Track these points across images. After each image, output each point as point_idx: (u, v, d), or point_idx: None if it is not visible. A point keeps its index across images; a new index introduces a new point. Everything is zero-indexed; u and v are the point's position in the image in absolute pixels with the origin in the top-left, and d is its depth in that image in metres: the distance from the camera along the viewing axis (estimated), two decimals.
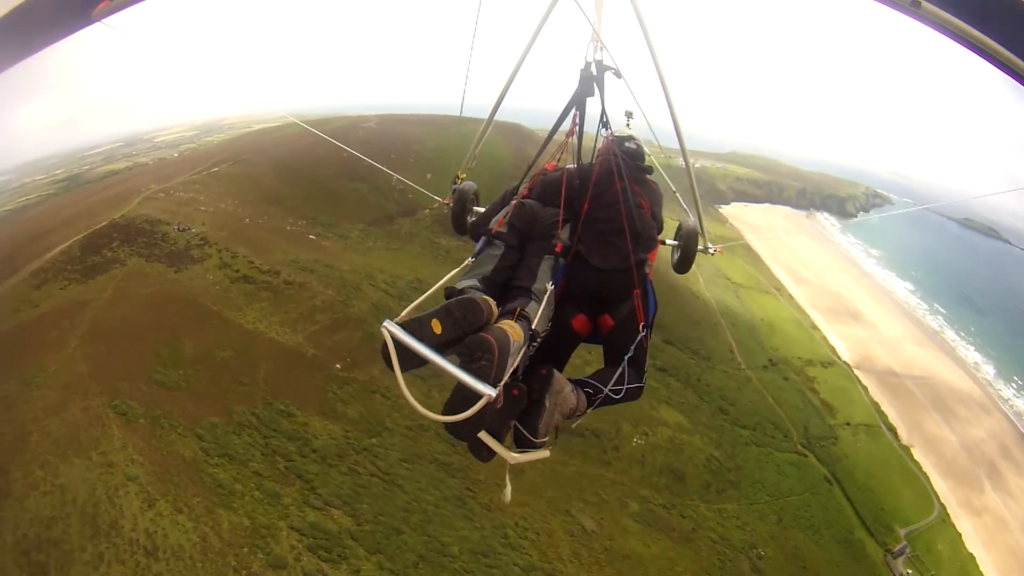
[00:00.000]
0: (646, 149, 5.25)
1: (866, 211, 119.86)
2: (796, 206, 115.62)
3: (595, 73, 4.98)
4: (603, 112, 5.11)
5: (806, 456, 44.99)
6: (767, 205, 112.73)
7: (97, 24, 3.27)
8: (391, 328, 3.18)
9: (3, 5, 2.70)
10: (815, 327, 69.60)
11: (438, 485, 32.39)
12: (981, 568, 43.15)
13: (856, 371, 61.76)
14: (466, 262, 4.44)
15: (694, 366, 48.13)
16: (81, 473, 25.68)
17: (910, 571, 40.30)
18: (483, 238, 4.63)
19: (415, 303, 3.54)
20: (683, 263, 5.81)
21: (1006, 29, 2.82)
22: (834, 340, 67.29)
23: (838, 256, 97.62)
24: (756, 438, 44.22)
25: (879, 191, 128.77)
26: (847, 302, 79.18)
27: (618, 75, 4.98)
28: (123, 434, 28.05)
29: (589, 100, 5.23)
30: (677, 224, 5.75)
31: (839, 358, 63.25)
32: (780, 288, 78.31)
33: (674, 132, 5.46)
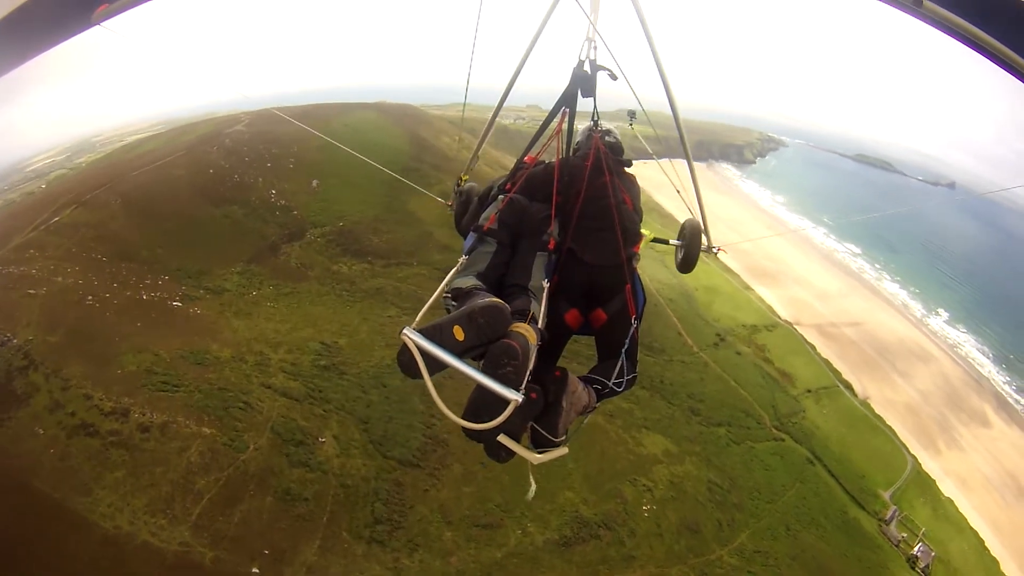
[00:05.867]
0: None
1: (762, 156, 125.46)
2: (695, 158, 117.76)
3: (589, 72, 4.93)
4: (595, 110, 5.31)
5: (783, 440, 44.33)
6: (666, 160, 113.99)
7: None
8: (412, 336, 3.29)
9: (2, 8, 2.71)
10: (747, 287, 70.12)
11: None
12: (961, 511, 45.11)
13: (798, 328, 62.74)
14: (461, 261, 4.49)
15: (652, 364, 45.65)
16: None
17: (904, 535, 41.02)
18: (472, 235, 4.71)
19: (426, 306, 3.78)
20: (686, 263, 6.15)
21: (1007, 27, 2.91)
22: (769, 299, 68.14)
23: (748, 206, 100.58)
24: (733, 434, 42.79)
25: (772, 135, 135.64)
26: (770, 255, 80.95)
27: (613, 77, 4.96)
28: None
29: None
30: (680, 224, 6.07)
31: (780, 318, 63.99)
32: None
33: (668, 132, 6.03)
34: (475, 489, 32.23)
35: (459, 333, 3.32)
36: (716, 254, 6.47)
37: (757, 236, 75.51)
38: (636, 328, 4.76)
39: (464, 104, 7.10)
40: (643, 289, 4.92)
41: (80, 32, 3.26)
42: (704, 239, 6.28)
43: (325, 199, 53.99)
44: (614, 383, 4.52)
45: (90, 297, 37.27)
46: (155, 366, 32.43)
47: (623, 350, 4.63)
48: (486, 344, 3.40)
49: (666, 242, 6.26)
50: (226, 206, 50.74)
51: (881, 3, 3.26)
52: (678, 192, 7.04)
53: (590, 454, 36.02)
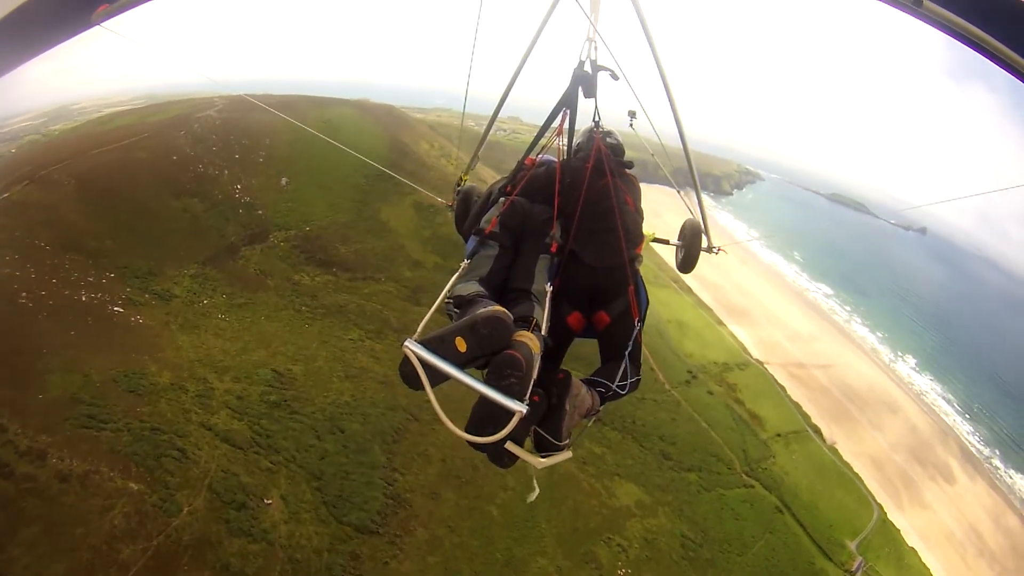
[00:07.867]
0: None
1: (740, 188, 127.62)
2: (673, 185, 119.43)
3: (590, 72, 4.95)
4: (596, 110, 5.30)
5: (753, 487, 44.08)
6: (643, 185, 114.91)
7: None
8: (414, 348, 3.32)
9: (1, 8, 2.73)
10: (720, 323, 70.32)
11: None
12: (925, 562, 45.41)
13: (767, 367, 62.96)
14: (463, 265, 4.53)
15: (625, 403, 44.22)
16: None
17: None
18: (474, 238, 4.78)
19: (426, 318, 3.75)
20: (687, 263, 6.19)
21: (1007, 27, 2.95)
22: (741, 336, 68.36)
23: (723, 238, 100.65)
24: (704, 480, 42.31)
25: (750, 168, 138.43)
26: (743, 290, 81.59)
27: (615, 77, 4.97)
28: None
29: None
30: (681, 224, 6.13)
31: (751, 356, 64.20)
32: (677, 280, 77.75)
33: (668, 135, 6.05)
34: (441, 559, 29.98)
35: (461, 344, 3.36)
36: (716, 253, 6.48)
37: (739, 254, 75.83)
38: (639, 330, 4.79)
39: (464, 113, 7.21)
40: (646, 291, 4.97)
41: (80, 32, 3.31)
42: (704, 239, 6.35)
43: (293, 199, 51.27)
44: (618, 385, 4.54)
45: (24, 294, 33.20)
46: (82, 392, 28.54)
47: (626, 352, 4.66)
48: (489, 355, 3.41)
49: (667, 242, 6.36)
50: (186, 198, 47.07)
51: (881, 3, 3.28)
52: (678, 192, 7.08)
53: (562, 510, 34.76)
